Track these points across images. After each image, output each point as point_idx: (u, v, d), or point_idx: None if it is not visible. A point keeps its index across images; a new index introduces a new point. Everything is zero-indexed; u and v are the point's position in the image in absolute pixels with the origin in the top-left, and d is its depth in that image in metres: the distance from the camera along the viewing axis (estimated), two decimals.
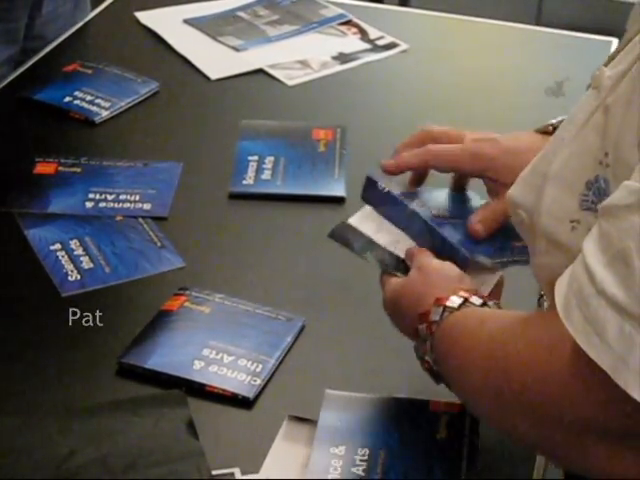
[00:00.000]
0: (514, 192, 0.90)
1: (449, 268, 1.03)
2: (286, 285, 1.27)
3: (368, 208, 1.10)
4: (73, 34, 1.82)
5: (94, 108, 1.59)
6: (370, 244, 1.06)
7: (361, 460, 1.00)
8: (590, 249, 0.73)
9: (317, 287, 1.26)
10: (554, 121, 1.07)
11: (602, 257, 0.71)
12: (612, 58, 0.86)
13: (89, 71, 1.69)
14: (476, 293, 0.97)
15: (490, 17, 1.99)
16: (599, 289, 0.70)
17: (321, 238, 1.35)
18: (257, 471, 1.01)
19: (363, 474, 0.99)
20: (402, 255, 1.06)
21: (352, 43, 1.84)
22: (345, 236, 1.06)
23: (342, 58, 1.79)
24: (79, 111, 1.58)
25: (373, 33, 1.87)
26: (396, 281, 1.05)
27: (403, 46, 1.84)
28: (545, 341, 0.77)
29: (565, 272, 0.76)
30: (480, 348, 0.86)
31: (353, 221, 1.07)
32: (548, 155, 0.86)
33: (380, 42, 1.85)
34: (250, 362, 1.13)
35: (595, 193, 0.80)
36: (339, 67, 1.77)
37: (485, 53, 1.87)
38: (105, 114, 1.58)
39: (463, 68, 1.81)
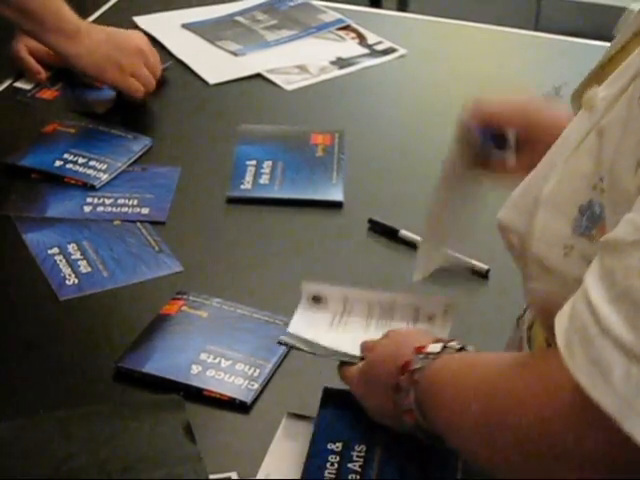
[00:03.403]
0: (505, 216, 0.88)
1: (415, 329, 1.03)
2: (284, 290, 1.27)
3: (300, 311, 1.11)
4: None
5: (91, 172, 1.46)
6: (316, 347, 1.06)
7: (358, 456, 1.01)
8: (593, 285, 0.70)
9: None
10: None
11: (606, 295, 0.69)
12: (598, 73, 0.85)
13: (72, 130, 1.56)
14: (452, 340, 0.95)
15: (488, 23, 1.99)
16: (604, 329, 0.68)
17: (319, 242, 1.36)
18: (254, 475, 1.01)
19: (359, 470, 0.99)
20: (349, 350, 1.06)
21: (350, 48, 1.84)
22: (292, 343, 1.08)
23: (340, 63, 1.80)
24: (75, 176, 1.45)
25: (371, 38, 1.88)
26: (356, 364, 1.03)
27: (401, 51, 1.84)
28: (544, 381, 0.75)
29: (565, 306, 0.73)
30: (473, 391, 0.83)
31: (292, 329, 1.08)
32: (539, 178, 0.84)
33: (378, 47, 1.85)
34: (247, 366, 1.13)
35: (589, 218, 0.78)
36: (337, 72, 1.77)
37: (483, 58, 1.87)
38: (104, 177, 1.45)
39: (461, 73, 1.81)
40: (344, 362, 1.05)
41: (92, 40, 1.58)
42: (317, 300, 1.11)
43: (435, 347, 0.93)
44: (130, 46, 1.62)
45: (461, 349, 0.94)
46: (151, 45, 1.67)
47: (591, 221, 0.78)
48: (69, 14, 1.56)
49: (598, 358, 0.68)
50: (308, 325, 1.08)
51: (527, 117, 1.05)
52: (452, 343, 0.94)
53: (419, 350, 0.93)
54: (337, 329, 1.09)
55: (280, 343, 1.09)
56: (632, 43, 0.83)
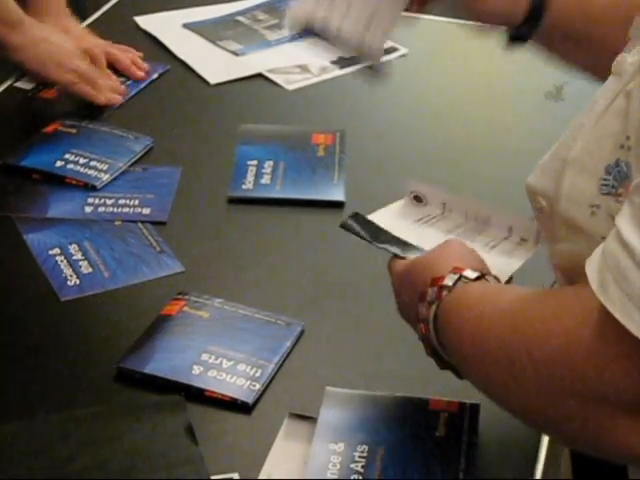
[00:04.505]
0: (533, 180, 0.90)
1: (471, 249, 1.01)
2: (285, 290, 1.27)
3: (393, 206, 1.10)
4: None
5: (92, 172, 1.45)
6: (382, 233, 1.05)
7: (360, 457, 1.01)
8: (624, 225, 0.72)
9: (316, 292, 1.26)
10: None
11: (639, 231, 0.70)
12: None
13: (73, 130, 1.56)
14: (492, 274, 0.95)
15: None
16: (638, 262, 0.69)
17: (320, 243, 1.35)
18: (256, 476, 1.00)
19: (362, 471, 0.99)
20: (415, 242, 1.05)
21: None
22: (358, 225, 1.06)
23: (341, 62, 1.79)
24: (76, 177, 1.44)
25: None
26: (407, 259, 1.02)
27: (402, 50, 1.84)
28: (572, 311, 0.75)
29: (595, 252, 0.75)
30: (497, 315, 0.83)
31: (371, 216, 1.07)
32: (568, 141, 0.86)
33: None
34: (249, 367, 1.13)
35: (616, 177, 0.79)
36: (338, 71, 1.77)
37: (485, 58, 1.87)
38: (106, 178, 1.45)
39: (462, 73, 1.81)
40: (397, 255, 1.04)
41: (35, 34, 1.58)
42: (418, 199, 1.10)
43: (471, 273, 0.93)
44: (70, 47, 1.62)
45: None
46: (105, 42, 1.70)
47: (617, 180, 0.79)
48: (13, 5, 1.56)
49: (632, 291, 0.69)
50: (393, 216, 1.08)
51: None
52: (490, 277, 0.94)
53: (456, 270, 0.93)
54: (420, 227, 1.08)
55: (342, 226, 1.08)
56: None
